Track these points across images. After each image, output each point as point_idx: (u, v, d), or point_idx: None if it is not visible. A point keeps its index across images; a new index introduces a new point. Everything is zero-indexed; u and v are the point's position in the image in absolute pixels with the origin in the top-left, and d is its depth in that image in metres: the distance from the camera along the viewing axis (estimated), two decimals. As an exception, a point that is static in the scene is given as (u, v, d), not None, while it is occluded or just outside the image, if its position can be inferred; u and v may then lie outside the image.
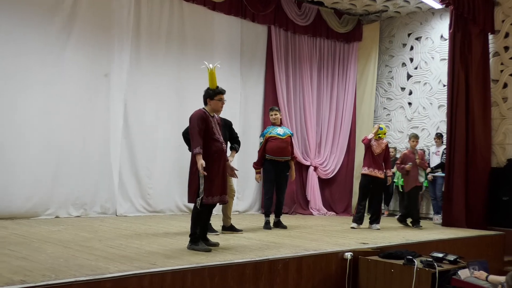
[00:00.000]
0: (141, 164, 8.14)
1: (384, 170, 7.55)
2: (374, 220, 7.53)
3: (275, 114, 7.03)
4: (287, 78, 10.07)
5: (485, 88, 8.94)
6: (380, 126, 7.60)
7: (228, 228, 6.20)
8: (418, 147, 10.27)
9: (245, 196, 9.47)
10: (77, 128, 7.40)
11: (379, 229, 7.37)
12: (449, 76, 8.83)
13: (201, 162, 4.50)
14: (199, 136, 4.60)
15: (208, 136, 4.66)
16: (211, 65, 4.77)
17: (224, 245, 5.03)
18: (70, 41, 7.32)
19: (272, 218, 7.05)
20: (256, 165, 6.95)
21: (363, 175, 7.50)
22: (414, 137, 8.08)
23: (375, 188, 7.55)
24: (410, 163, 7.91)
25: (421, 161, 7.95)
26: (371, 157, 7.47)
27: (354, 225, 7.46)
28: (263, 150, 6.89)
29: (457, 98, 8.69)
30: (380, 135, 7.55)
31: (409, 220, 8.20)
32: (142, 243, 4.93)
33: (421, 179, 7.93)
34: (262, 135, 7.07)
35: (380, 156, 7.48)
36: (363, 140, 7.55)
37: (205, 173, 4.52)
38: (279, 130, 6.95)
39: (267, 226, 6.83)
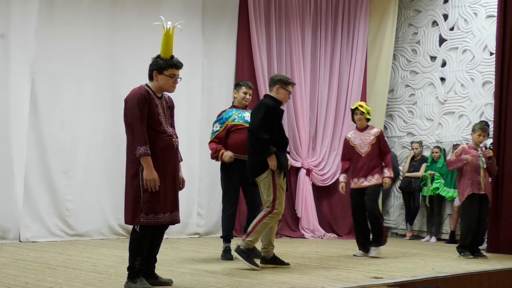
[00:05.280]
0: (57, 166, 8.07)
1: (381, 173, 7.48)
2: (371, 242, 7.53)
3: (249, 94, 6.98)
4: (269, 42, 10.09)
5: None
6: (358, 104, 7.61)
7: (271, 260, 6.22)
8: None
9: (209, 212, 9.50)
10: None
11: (376, 256, 7.34)
12: (499, 40, 8.97)
13: (153, 174, 4.52)
14: (144, 128, 4.59)
15: (150, 127, 4.65)
16: (169, 23, 4.74)
17: (178, 283, 5.01)
18: None
19: (234, 242, 6.99)
20: (215, 149, 6.79)
21: (351, 190, 7.61)
22: (482, 130, 7.99)
23: (366, 197, 7.48)
24: (471, 156, 7.84)
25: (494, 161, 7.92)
26: (355, 161, 7.53)
27: (359, 252, 7.54)
28: (222, 145, 6.77)
29: (509, 71, 8.81)
30: (359, 115, 7.51)
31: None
32: (58, 281, 4.88)
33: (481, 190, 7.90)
34: (221, 121, 6.90)
35: (370, 157, 7.45)
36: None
37: (156, 190, 4.54)
38: (247, 116, 6.81)
39: (226, 255, 6.78)
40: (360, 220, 7.62)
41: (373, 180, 7.46)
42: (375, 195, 7.58)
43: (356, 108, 7.60)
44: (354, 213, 7.66)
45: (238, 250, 6.03)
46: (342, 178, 7.69)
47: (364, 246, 7.55)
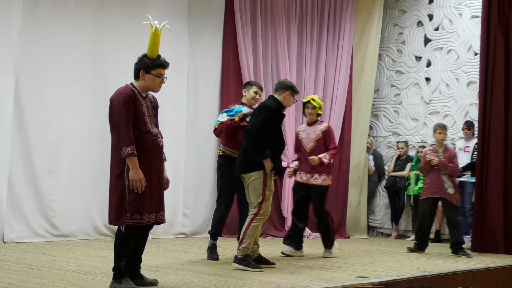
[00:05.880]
0: (41, 167, 8.03)
1: (329, 174, 7.31)
2: (324, 243, 7.43)
3: (259, 95, 6.94)
4: (255, 42, 10.09)
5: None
6: (310, 98, 7.42)
7: (257, 259, 6.19)
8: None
9: (195, 212, 9.48)
10: None
11: (326, 256, 7.29)
12: (483, 41, 9.04)
13: (139, 174, 4.50)
14: (130, 128, 4.58)
15: (135, 127, 4.64)
16: (156, 22, 4.73)
17: (164, 283, 5.01)
18: None
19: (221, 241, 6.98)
20: (229, 120, 6.63)
21: (295, 182, 7.47)
22: (441, 128, 8.29)
23: (313, 197, 7.31)
24: (436, 158, 8.05)
25: (444, 161, 8.10)
26: (302, 155, 7.40)
27: (287, 249, 7.42)
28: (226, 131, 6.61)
29: (493, 71, 8.90)
30: (310, 109, 7.32)
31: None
32: (43, 282, 4.87)
33: (450, 190, 8.08)
34: (230, 112, 6.74)
35: (315, 153, 7.21)
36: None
37: (142, 190, 4.53)
38: None
39: (212, 253, 6.74)
40: (299, 216, 7.45)
41: (319, 179, 7.23)
42: (321, 196, 7.31)
43: (308, 101, 7.38)
44: (295, 209, 7.52)
45: (236, 260, 6.03)
46: (293, 164, 7.52)
47: (296, 243, 7.44)
